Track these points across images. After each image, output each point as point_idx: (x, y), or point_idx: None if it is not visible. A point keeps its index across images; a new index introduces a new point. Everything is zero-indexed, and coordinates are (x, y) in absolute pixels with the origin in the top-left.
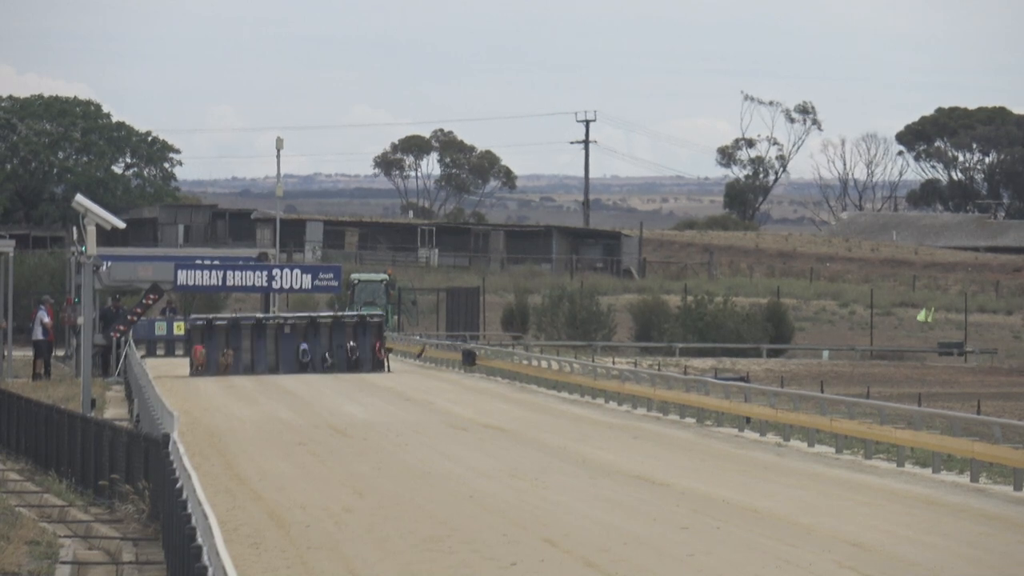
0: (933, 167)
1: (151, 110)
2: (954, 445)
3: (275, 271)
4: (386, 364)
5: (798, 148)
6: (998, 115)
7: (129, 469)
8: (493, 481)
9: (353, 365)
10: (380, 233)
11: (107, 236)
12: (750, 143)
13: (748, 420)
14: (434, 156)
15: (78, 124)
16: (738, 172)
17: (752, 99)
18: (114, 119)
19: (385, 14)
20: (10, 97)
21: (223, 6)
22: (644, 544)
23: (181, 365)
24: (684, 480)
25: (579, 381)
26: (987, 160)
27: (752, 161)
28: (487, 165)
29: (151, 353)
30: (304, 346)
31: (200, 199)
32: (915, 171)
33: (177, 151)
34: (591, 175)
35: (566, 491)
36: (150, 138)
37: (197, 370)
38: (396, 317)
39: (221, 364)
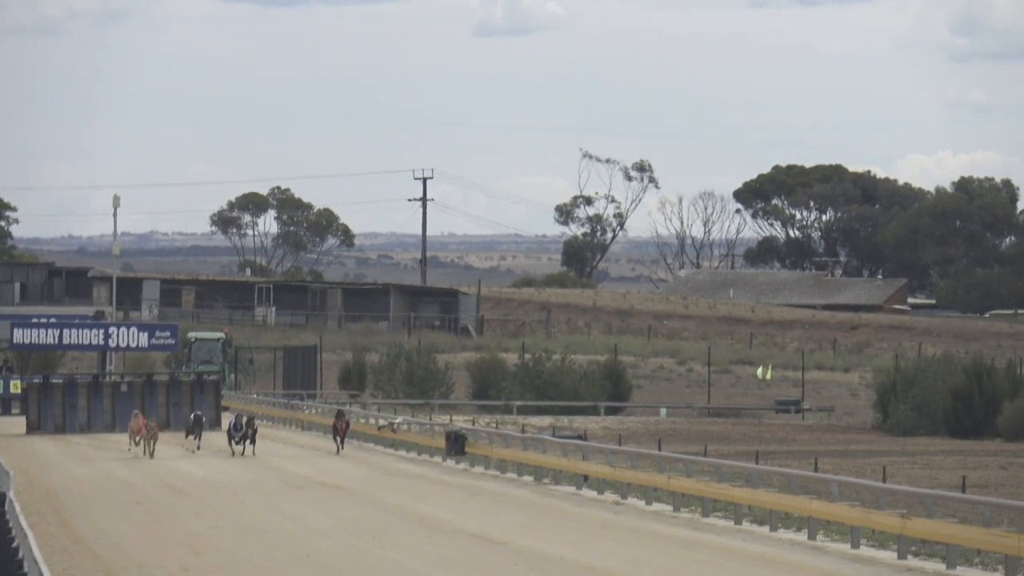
0: (770, 225)
1: None
2: (791, 503)
3: (112, 329)
4: (338, 446)
5: (636, 206)
6: (835, 173)
7: None
8: (330, 540)
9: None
10: (217, 291)
11: None
12: (588, 201)
13: (586, 478)
14: (271, 214)
15: None
16: (576, 230)
17: (590, 157)
18: None
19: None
20: None
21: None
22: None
23: (17, 424)
24: (521, 538)
25: (415, 440)
26: (824, 218)
27: (590, 219)
28: (325, 223)
29: None
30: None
31: (36, 257)
32: (752, 229)
33: (13, 208)
34: (429, 232)
35: (403, 549)
36: None
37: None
38: (233, 375)
39: None
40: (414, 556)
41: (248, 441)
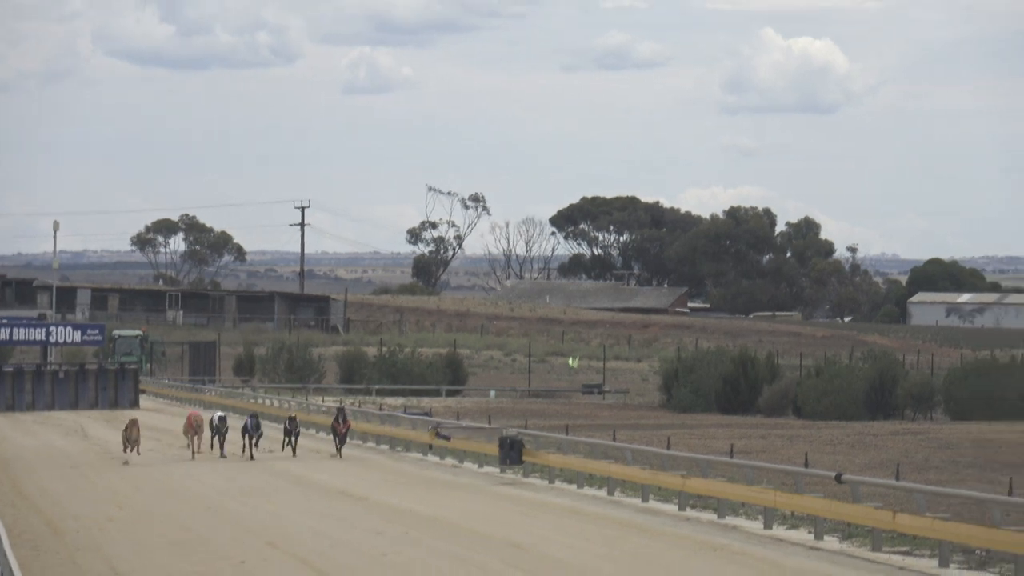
0: (579, 244)
1: None
2: (594, 466)
3: (52, 328)
4: (337, 448)
5: (471, 229)
6: (630, 203)
7: None
8: (229, 498)
9: (114, 402)
10: (136, 298)
11: None
12: (433, 225)
13: (431, 447)
14: (180, 236)
15: None
16: (423, 248)
17: (435, 190)
18: None
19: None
20: None
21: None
22: (346, 546)
23: None
24: (379, 495)
25: (304, 418)
26: (621, 239)
27: (435, 240)
28: (222, 243)
29: None
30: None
31: None
32: (564, 248)
33: None
34: (306, 251)
35: (286, 506)
36: None
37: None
38: (149, 365)
39: None
40: (295, 510)
41: (293, 438)
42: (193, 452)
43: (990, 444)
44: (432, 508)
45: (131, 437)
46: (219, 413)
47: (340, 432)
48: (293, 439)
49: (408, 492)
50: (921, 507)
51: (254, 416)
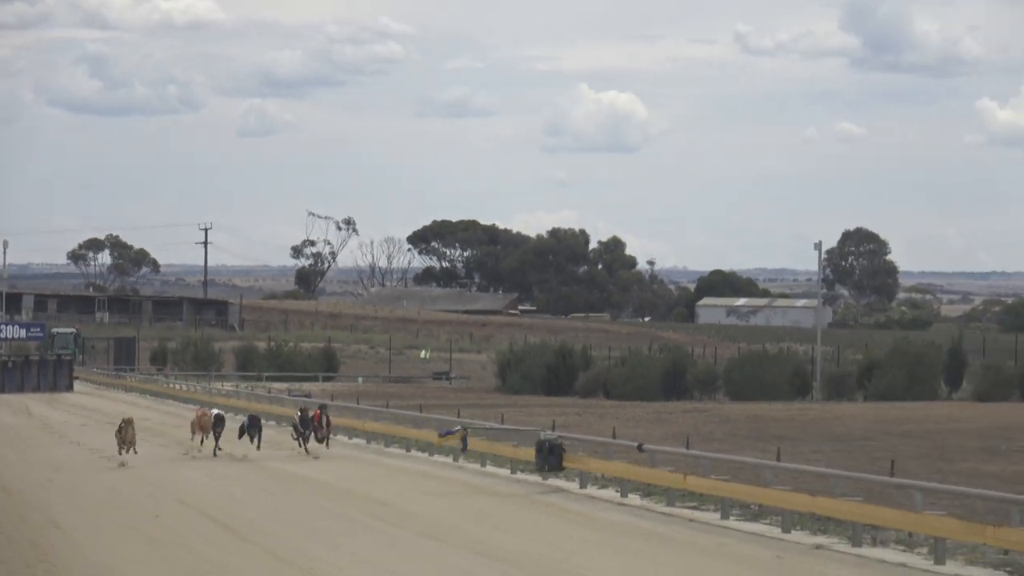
0: (430, 259)
1: None
2: (395, 429)
3: (1, 327)
4: (326, 442)
5: (343, 246)
6: (471, 225)
7: None
8: (144, 460)
9: (53, 387)
10: (71, 303)
11: None
12: (312, 243)
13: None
14: (107, 252)
15: None
16: (304, 262)
17: (313, 214)
18: None
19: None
20: None
21: None
22: (244, 503)
23: None
24: (270, 462)
25: (206, 399)
26: (464, 254)
27: (313, 255)
28: (141, 258)
29: None
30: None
31: None
32: (418, 261)
33: None
34: (209, 264)
35: (193, 469)
36: None
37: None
38: (81, 356)
39: None
40: (201, 473)
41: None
42: (199, 449)
43: (762, 419)
44: (315, 472)
45: (126, 438)
46: (216, 411)
47: (320, 431)
48: (258, 436)
49: (291, 460)
50: (707, 471)
51: (253, 416)
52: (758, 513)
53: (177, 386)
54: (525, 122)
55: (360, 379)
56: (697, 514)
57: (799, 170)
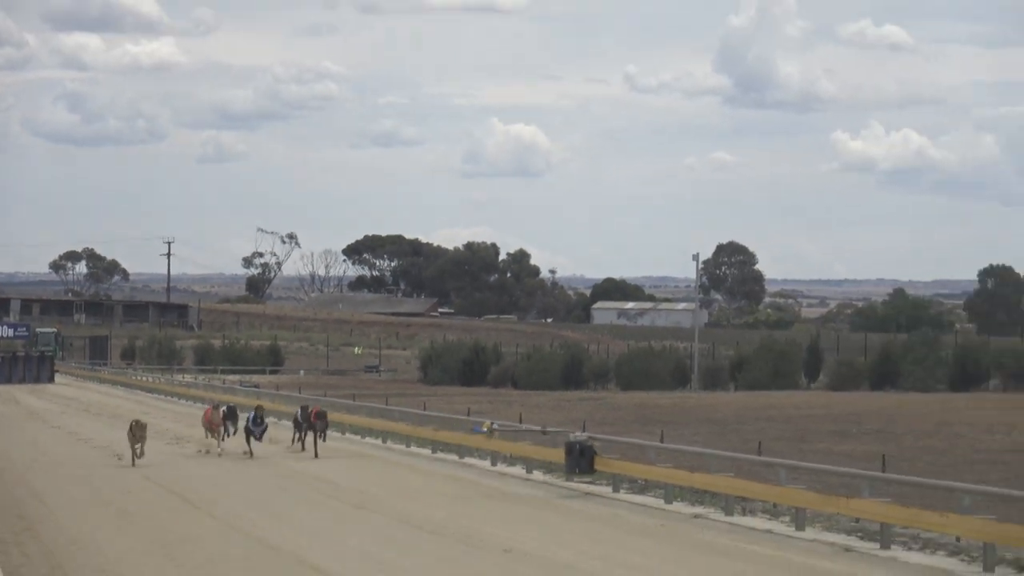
0: (362, 268)
1: None
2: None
3: None
4: (315, 448)
5: (287, 257)
6: (399, 239)
7: None
8: (117, 443)
9: (36, 379)
10: (53, 306)
11: None
12: (260, 255)
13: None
14: (83, 262)
15: None
16: (254, 271)
17: (262, 230)
18: None
19: (54, 180)
20: None
21: None
22: (219, 485)
23: None
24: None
25: (169, 389)
26: (392, 264)
27: (262, 265)
28: (113, 267)
29: None
30: None
31: None
32: (352, 270)
33: None
34: (172, 272)
35: (158, 455)
36: None
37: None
38: (61, 353)
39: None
40: (171, 456)
41: (319, 434)
42: (219, 446)
43: (648, 407)
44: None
45: (137, 438)
46: (225, 406)
47: (318, 429)
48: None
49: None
50: (601, 450)
51: (231, 407)
52: (644, 487)
53: (144, 378)
54: (446, 150)
55: (302, 372)
56: (592, 488)
57: (680, 192)
